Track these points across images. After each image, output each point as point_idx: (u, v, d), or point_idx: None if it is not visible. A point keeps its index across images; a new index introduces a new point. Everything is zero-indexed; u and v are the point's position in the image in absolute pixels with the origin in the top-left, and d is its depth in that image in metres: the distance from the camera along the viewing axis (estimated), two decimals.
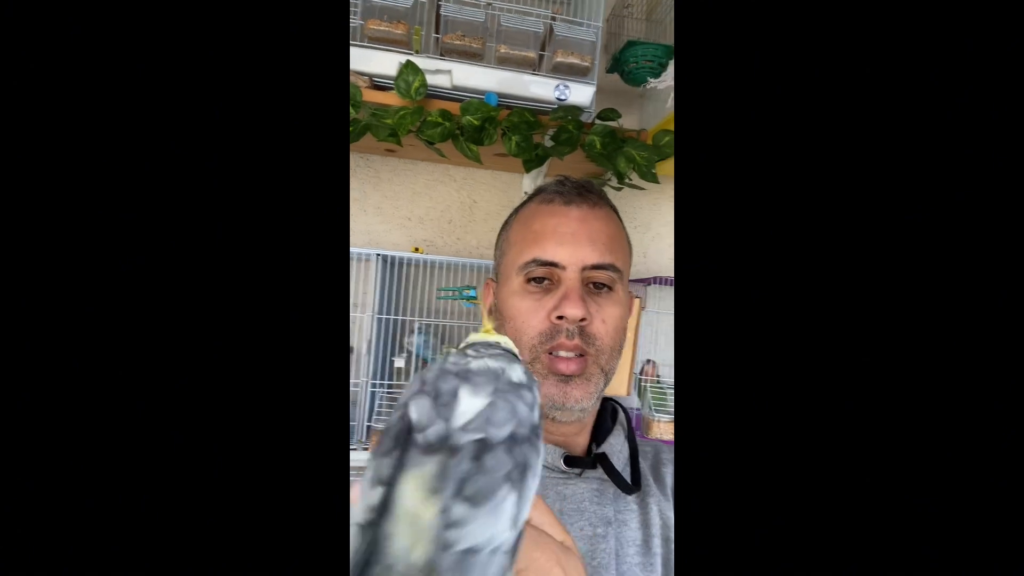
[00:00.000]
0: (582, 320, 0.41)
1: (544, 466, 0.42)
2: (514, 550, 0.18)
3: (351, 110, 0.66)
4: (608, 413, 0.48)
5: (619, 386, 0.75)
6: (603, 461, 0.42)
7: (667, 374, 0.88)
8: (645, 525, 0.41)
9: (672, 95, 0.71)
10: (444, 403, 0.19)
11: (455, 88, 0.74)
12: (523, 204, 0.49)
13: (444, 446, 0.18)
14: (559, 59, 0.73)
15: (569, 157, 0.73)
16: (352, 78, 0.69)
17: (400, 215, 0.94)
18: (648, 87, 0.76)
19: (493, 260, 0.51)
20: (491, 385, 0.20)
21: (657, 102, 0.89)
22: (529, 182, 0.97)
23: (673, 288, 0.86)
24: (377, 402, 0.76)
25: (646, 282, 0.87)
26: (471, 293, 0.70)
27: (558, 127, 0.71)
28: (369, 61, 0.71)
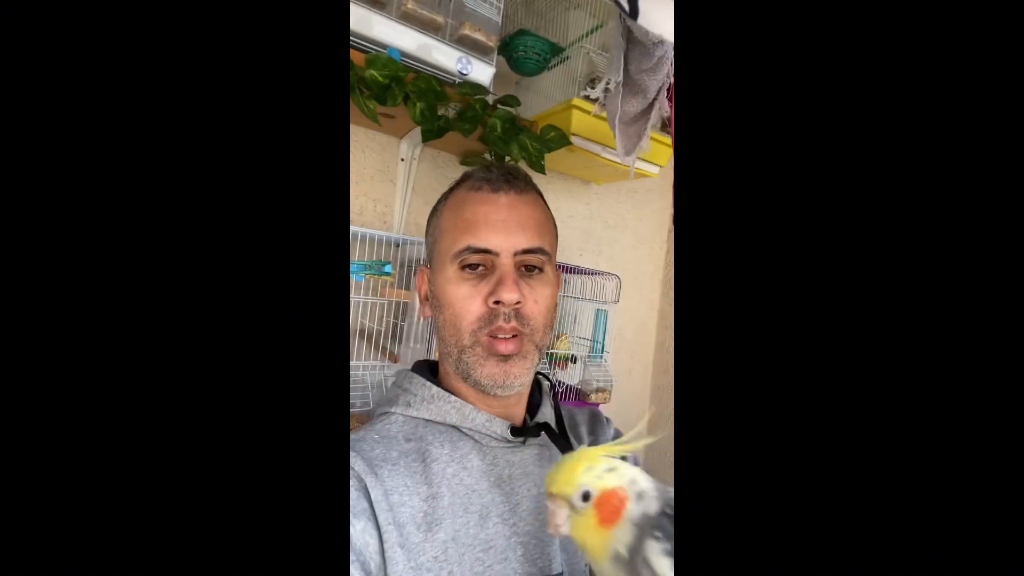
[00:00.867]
0: (517, 303, 0.44)
1: (493, 437, 0.45)
2: None
3: None
4: (537, 385, 0.53)
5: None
6: (546, 428, 0.48)
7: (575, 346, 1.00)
8: None
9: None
10: None
11: (352, 34, 0.65)
12: (450, 191, 0.49)
13: None
14: (465, 32, 0.72)
15: (470, 138, 0.74)
16: None
17: None
18: (583, 94, 0.81)
19: (426, 247, 0.51)
20: None
21: (537, 94, 0.95)
22: (407, 149, 0.93)
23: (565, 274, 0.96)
24: None
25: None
26: (387, 269, 0.66)
27: (465, 104, 0.71)
28: None
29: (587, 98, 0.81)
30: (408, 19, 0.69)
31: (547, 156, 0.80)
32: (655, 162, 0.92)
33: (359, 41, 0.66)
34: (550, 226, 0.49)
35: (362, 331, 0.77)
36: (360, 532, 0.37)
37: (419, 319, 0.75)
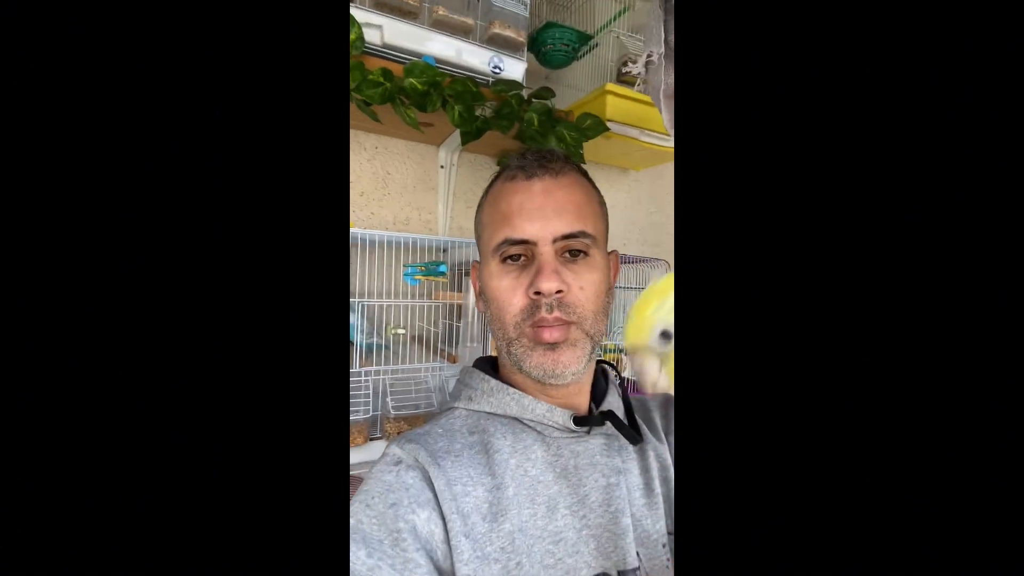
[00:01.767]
0: (558, 292, 0.43)
1: (555, 427, 0.44)
2: None
3: None
4: (601, 375, 0.52)
5: None
6: (611, 417, 0.46)
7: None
8: (645, 470, 0.46)
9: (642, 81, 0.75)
10: None
11: (385, 46, 0.68)
12: (490, 184, 0.49)
13: None
14: (496, 30, 0.73)
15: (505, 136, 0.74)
16: None
17: None
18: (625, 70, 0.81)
19: (477, 244, 0.51)
20: None
21: (568, 86, 0.95)
22: (445, 156, 0.94)
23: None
24: None
25: None
26: (442, 268, 0.67)
27: (501, 102, 0.71)
28: None
29: (627, 75, 0.80)
30: (440, 26, 0.71)
31: (585, 146, 0.79)
32: None
33: (394, 53, 0.68)
34: (594, 206, 0.47)
35: (420, 335, 0.79)
36: (425, 521, 0.37)
37: (473, 319, 0.76)
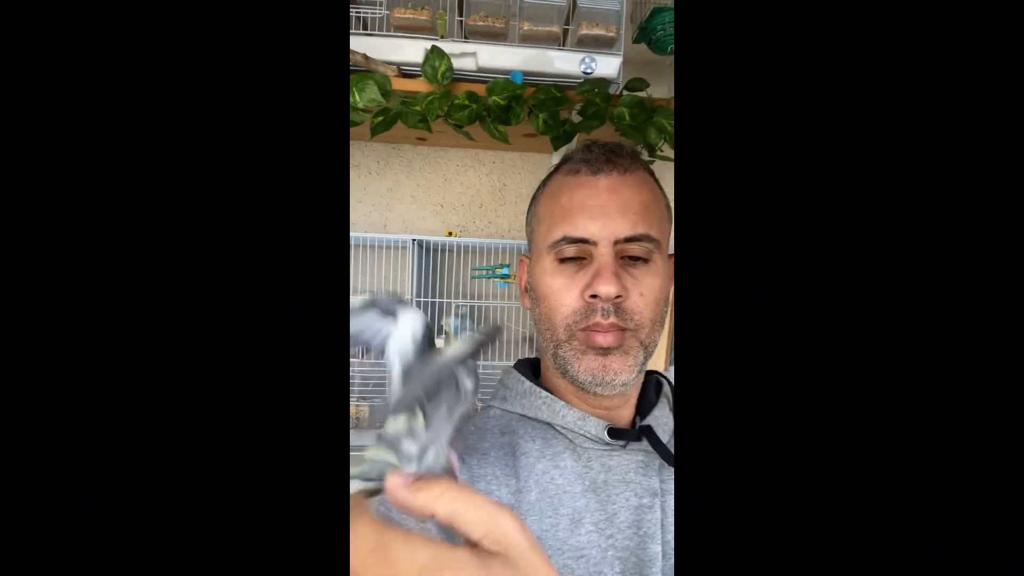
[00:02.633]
0: (617, 297, 0.40)
1: (588, 438, 0.42)
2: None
3: (383, 99, 0.68)
4: (652, 386, 0.47)
5: (656, 359, 0.75)
6: (648, 433, 0.42)
7: None
8: None
9: None
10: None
11: (480, 70, 0.74)
12: (550, 175, 0.47)
13: None
14: (584, 32, 0.72)
15: (597, 131, 0.72)
16: (381, 68, 0.71)
17: (433, 202, 0.96)
18: None
19: (526, 236, 0.51)
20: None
21: None
22: (558, 161, 0.96)
23: None
24: None
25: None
26: (504, 271, 0.71)
27: (585, 101, 0.70)
28: (397, 50, 0.72)
29: None
30: (528, 40, 0.74)
31: None
32: None
33: (489, 75, 0.75)
34: (660, 209, 0.43)
35: (510, 336, 0.83)
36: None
37: None
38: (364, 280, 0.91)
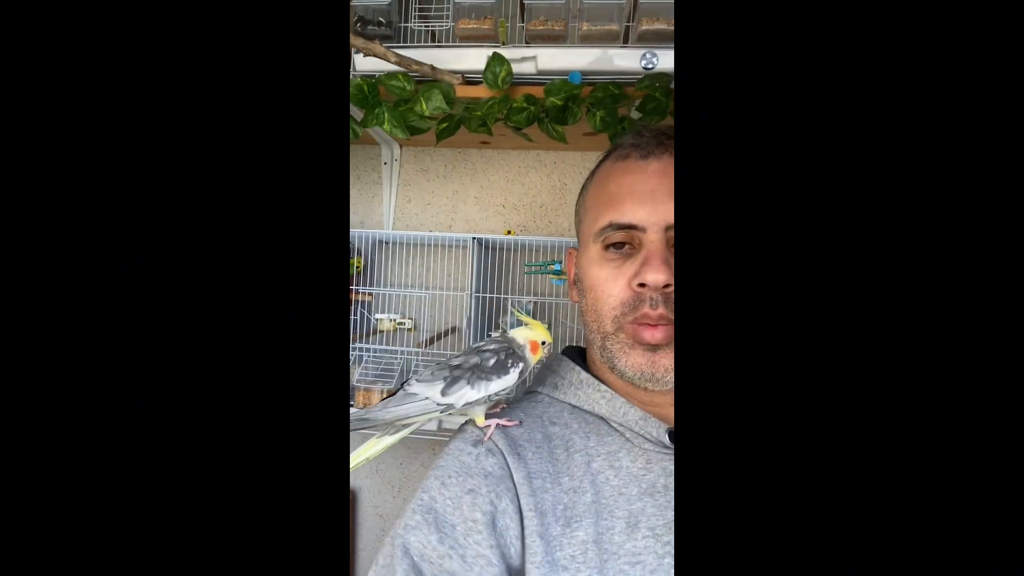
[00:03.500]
0: (666, 286, 0.38)
1: (647, 439, 0.40)
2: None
3: (447, 106, 0.72)
4: None
5: None
6: None
7: None
8: None
9: None
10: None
11: (541, 73, 0.76)
12: (600, 163, 0.46)
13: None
14: (644, 27, 0.71)
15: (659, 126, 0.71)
16: (447, 77, 0.75)
17: (495, 203, 1.00)
18: None
19: (574, 228, 0.51)
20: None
21: None
22: None
23: None
24: None
25: None
26: (556, 267, 0.72)
27: (644, 96, 0.69)
28: (461, 59, 0.77)
29: None
30: (587, 40, 0.75)
31: None
32: None
33: (550, 76, 0.76)
34: None
35: (564, 333, 0.84)
36: (501, 514, 0.35)
37: None
38: (430, 276, 0.97)
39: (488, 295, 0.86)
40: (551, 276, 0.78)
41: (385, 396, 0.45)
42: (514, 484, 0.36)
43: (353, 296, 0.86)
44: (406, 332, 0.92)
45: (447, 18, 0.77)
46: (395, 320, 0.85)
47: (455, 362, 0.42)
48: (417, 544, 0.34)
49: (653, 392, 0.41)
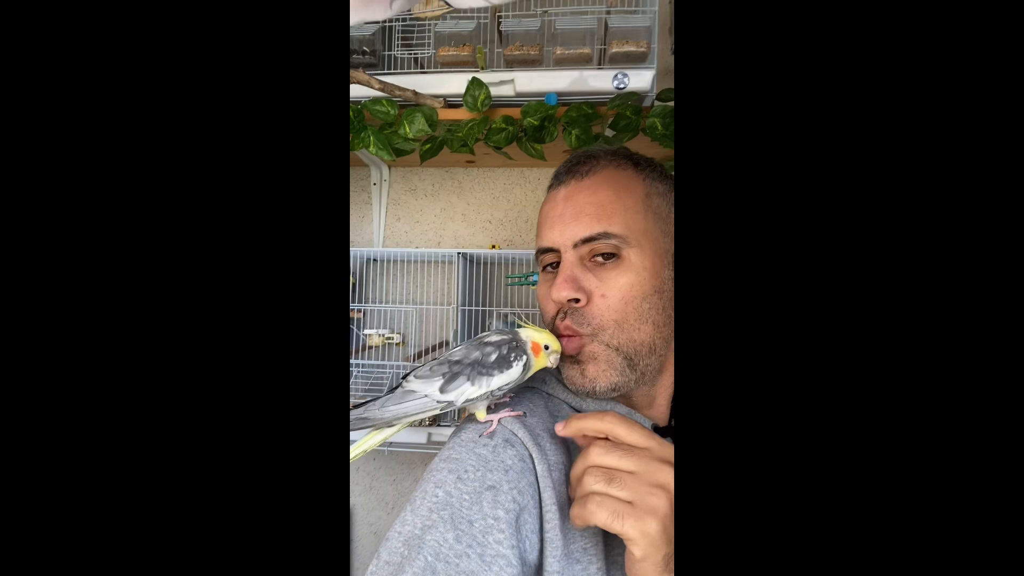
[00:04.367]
0: (575, 301, 0.40)
1: None
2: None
3: (429, 128, 0.76)
4: None
5: None
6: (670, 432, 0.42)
7: None
8: None
9: None
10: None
11: (519, 95, 0.80)
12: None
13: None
14: (614, 49, 0.75)
15: (631, 142, 0.74)
16: (429, 101, 0.79)
17: (482, 219, 1.03)
18: None
19: None
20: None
21: None
22: None
23: None
24: None
25: None
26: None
27: (615, 115, 0.73)
28: (443, 84, 0.80)
29: None
30: (562, 62, 0.79)
31: None
32: None
33: (527, 98, 0.80)
34: (628, 202, 0.42)
35: None
36: (523, 510, 0.34)
37: None
38: (418, 291, 0.99)
39: (474, 308, 0.88)
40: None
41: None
42: (536, 477, 0.36)
43: None
44: (395, 347, 0.93)
45: (429, 46, 0.81)
46: (384, 335, 0.87)
47: (455, 357, 0.41)
48: (432, 542, 0.31)
49: (635, 390, 0.43)
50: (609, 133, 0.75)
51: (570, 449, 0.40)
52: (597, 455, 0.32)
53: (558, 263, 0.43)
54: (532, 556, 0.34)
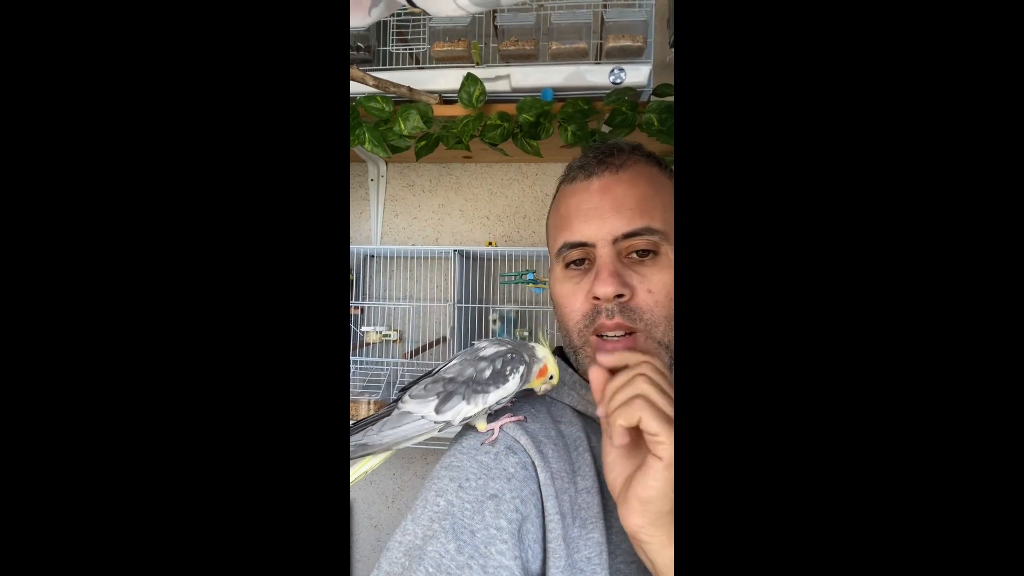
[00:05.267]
0: (620, 296, 0.39)
1: None
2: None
3: (424, 125, 0.76)
4: None
5: None
6: None
7: None
8: None
9: None
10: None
11: (515, 90, 0.79)
12: (557, 187, 0.48)
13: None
14: (611, 44, 0.74)
15: (637, 139, 0.74)
16: (424, 97, 0.79)
17: (480, 215, 1.03)
18: None
19: None
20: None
21: None
22: None
23: None
24: None
25: None
26: (530, 276, 0.75)
27: (611, 111, 0.72)
28: (437, 80, 0.80)
29: None
30: (558, 57, 0.78)
31: None
32: None
33: (522, 94, 0.79)
34: (665, 198, 0.42)
35: (549, 339, 0.86)
36: (525, 520, 0.34)
37: None
38: (416, 288, 1.00)
39: (470, 305, 0.88)
40: (529, 285, 0.81)
41: (375, 407, 0.44)
42: (538, 486, 0.35)
43: None
44: (392, 344, 0.94)
45: (423, 41, 0.80)
46: (381, 332, 0.87)
47: (449, 374, 0.40)
48: (433, 553, 0.31)
49: None
50: (605, 129, 0.75)
51: (572, 456, 0.39)
52: (652, 368, 0.33)
53: (583, 259, 0.42)
54: (535, 566, 0.33)
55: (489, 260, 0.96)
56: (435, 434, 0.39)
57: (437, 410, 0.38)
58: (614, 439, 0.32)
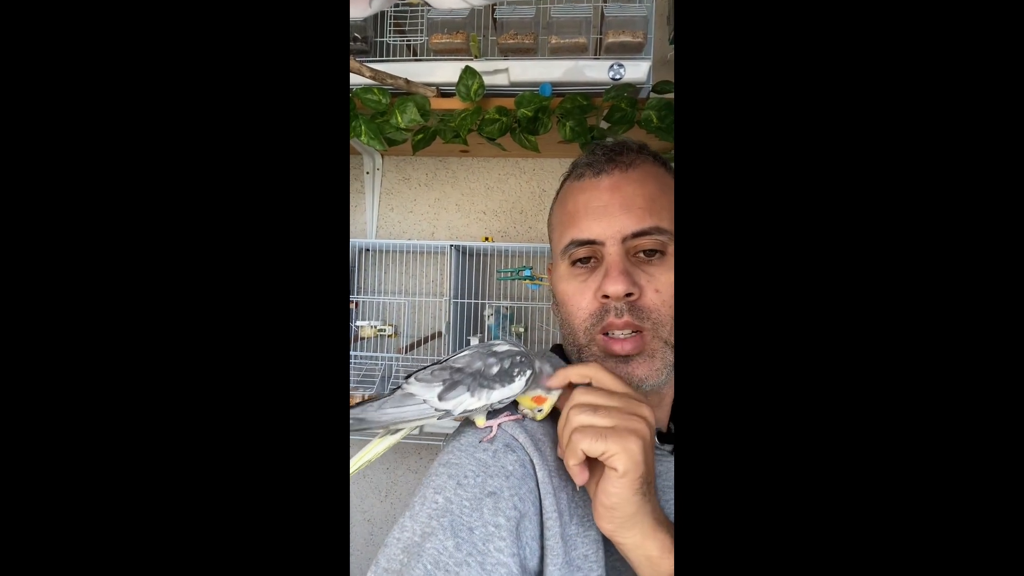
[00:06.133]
0: (629, 295, 0.39)
1: None
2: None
3: (421, 118, 0.75)
4: None
5: None
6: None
7: None
8: None
9: None
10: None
11: (513, 84, 0.79)
12: (562, 183, 0.48)
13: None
14: (611, 39, 0.74)
15: (636, 136, 0.73)
16: (421, 90, 0.78)
17: (476, 209, 1.02)
18: None
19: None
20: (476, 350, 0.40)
21: None
22: None
23: None
24: None
25: None
26: (527, 273, 0.74)
27: (610, 107, 0.72)
28: (435, 72, 0.79)
29: None
30: (557, 52, 0.77)
31: None
32: None
33: (521, 88, 0.79)
34: (669, 200, 0.42)
35: (542, 336, 0.86)
36: (523, 518, 0.34)
37: None
38: (411, 282, 0.99)
39: (466, 301, 0.88)
40: (526, 281, 0.80)
41: (366, 399, 0.43)
42: (536, 484, 0.35)
43: None
44: (387, 339, 0.93)
45: (421, 32, 0.79)
46: (376, 327, 0.86)
47: (458, 363, 0.39)
48: (432, 550, 0.31)
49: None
50: (604, 126, 0.74)
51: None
52: (581, 394, 0.35)
53: (590, 257, 0.42)
54: (533, 564, 0.33)
55: (485, 255, 0.95)
56: (433, 421, 0.39)
57: (440, 397, 0.38)
58: (575, 479, 0.34)
